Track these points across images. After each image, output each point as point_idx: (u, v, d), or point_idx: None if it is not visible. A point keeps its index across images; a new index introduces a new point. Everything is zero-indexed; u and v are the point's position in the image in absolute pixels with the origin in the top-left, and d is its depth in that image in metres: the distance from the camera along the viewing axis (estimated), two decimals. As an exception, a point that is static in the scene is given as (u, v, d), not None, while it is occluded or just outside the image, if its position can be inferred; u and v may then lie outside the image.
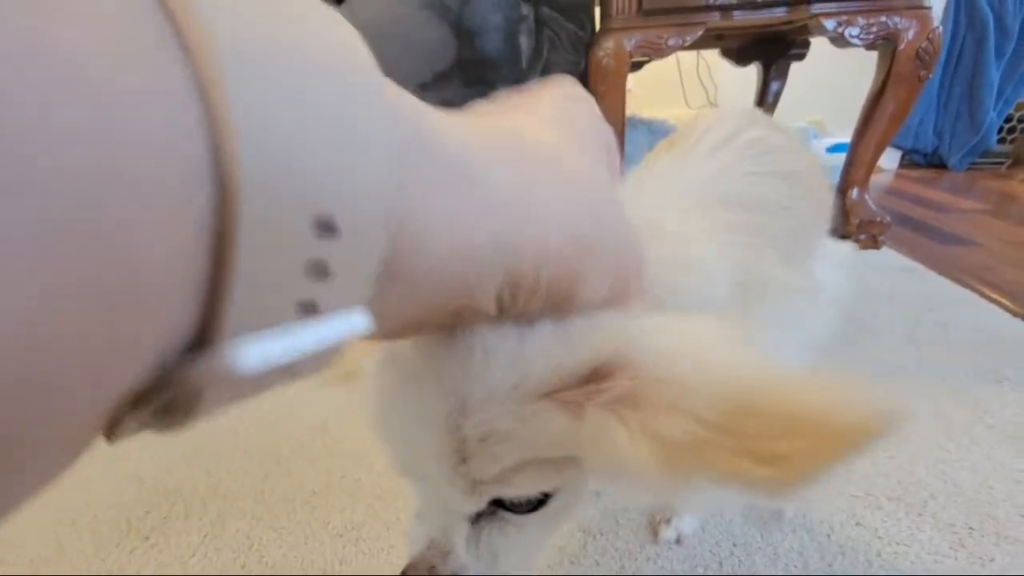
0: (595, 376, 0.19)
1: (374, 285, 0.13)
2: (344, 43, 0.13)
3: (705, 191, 0.35)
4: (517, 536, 0.24)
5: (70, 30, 0.08)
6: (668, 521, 0.49)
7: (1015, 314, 0.88)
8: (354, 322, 0.13)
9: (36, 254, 0.08)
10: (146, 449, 0.68)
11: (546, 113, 0.22)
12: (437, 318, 0.18)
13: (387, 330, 0.17)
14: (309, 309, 0.12)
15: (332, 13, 0.13)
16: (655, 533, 0.50)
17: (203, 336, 0.11)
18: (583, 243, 0.18)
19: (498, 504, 0.24)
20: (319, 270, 0.12)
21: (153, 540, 0.55)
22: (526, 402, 0.19)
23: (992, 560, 0.46)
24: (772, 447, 0.15)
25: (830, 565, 0.46)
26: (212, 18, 0.10)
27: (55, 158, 0.08)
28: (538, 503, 0.23)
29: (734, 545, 0.49)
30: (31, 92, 0.08)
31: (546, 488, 0.23)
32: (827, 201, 0.47)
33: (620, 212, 0.21)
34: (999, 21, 1.99)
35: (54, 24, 0.08)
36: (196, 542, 0.54)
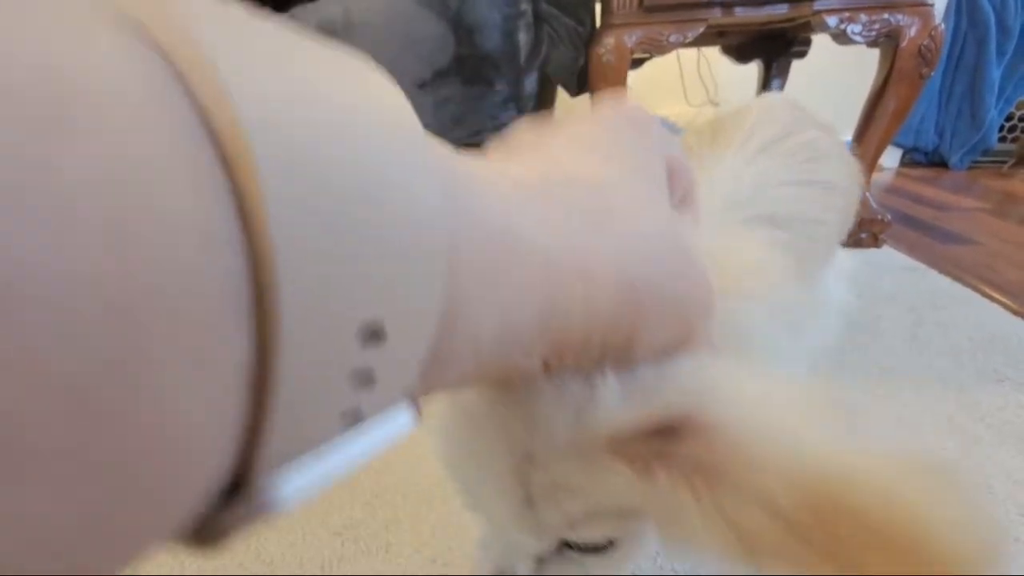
0: (665, 431, 0.17)
1: (418, 376, 0.12)
2: (391, 108, 0.11)
3: (753, 205, 0.33)
4: (579, 572, 0.24)
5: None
6: None
7: (1016, 313, 0.88)
8: (400, 422, 0.12)
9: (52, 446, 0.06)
10: None
11: (600, 145, 0.19)
12: (481, 382, 0.18)
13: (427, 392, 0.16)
14: (353, 418, 0.11)
15: (367, 72, 0.11)
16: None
17: (238, 470, 0.10)
18: (640, 296, 0.17)
19: (564, 543, 0.23)
20: (364, 379, 0.10)
21: None
22: (592, 457, 0.19)
23: (992, 560, 0.46)
24: (862, 559, 0.13)
25: (829, 565, 0.46)
26: (248, 117, 0.08)
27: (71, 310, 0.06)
28: (604, 545, 0.23)
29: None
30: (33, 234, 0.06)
31: (612, 535, 0.23)
32: (853, 212, 0.45)
33: (683, 252, 0.19)
34: (1000, 20, 1.98)
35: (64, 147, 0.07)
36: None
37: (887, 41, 1.02)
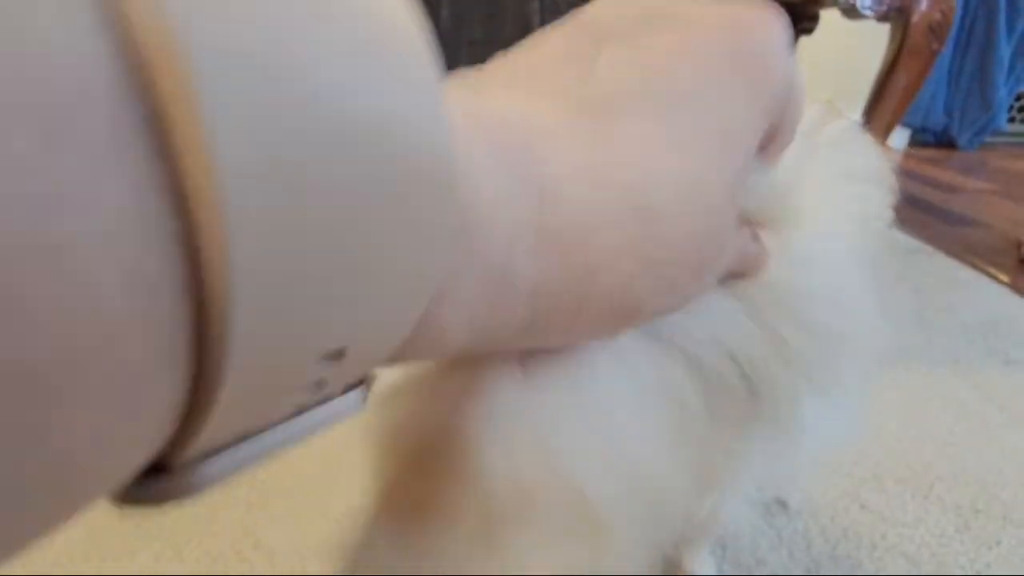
0: None
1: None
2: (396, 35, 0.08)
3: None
4: None
5: None
6: None
7: (1000, 280, 0.87)
8: (348, 403, 0.11)
9: None
10: None
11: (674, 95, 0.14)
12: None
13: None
14: (297, 412, 0.10)
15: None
16: None
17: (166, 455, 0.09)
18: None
19: None
20: (319, 385, 0.10)
21: (146, 528, 0.54)
22: None
23: (999, 543, 0.45)
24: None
25: (834, 548, 0.45)
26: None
27: None
28: None
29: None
30: None
31: None
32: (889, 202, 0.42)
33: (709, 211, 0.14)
34: (1012, -7, 1.93)
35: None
36: (190, 528, 0.54)
37: (897, 16, 0.99)
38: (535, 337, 0.13)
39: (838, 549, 0.45)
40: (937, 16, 0.96)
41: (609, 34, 0.14)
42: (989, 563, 0.44)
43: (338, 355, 0.09)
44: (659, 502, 0.18)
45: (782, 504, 0.49)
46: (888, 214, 0.38)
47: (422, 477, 0.16)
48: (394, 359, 0.11)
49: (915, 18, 0.97)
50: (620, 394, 0.17)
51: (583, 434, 0.16)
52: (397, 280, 0.09)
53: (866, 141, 0.38)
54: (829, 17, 1.25)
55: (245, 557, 0.50)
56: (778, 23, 0.15)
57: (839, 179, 0.31)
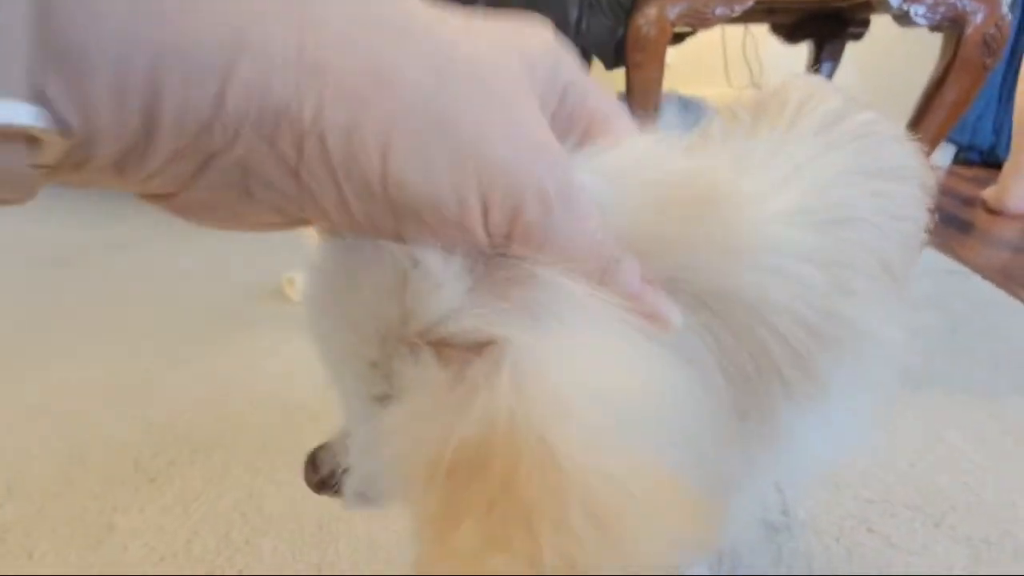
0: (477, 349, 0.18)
1: (39, 73, 0.12)
2: None
3: (826, 205, 0.27)
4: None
5: None
6: None
7: None
8: (15, 111, 0.12)
9: None
10: (158, 392, 0.70)
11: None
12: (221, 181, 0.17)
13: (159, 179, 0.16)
14: None
15: None
16: None
17: None
18: (385, 82, 0.16)
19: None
20: None
21: (159, 483, 0.57)
22: (412, 342, 0.20)
23: (1010, 578, 0.44)
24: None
25: (836, 568, 0.45)
26: None
27: None
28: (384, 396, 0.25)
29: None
30: None
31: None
32: (929, 204, 0.37)
33: (481, 83, 0.17)
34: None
35: None
36: (199, 488, 0.56)
37: (951, 27, 0.95)
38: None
39: (840, 570, 0.45)
40: (992, 30, 0.92)
41: None
42: (997, 599, 0.43)
43: None
44: (715, 473, 0.21)
45: (785, 515, 0.48)
46: (923, 215, 0.35)
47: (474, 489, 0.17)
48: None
49: (969, 30, 0.93)
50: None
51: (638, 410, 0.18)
52: None
53: (896, 136, 0.35)
54: (877, 26, 1.21)
55: (249, 519, 0.52)
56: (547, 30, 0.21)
57: (858, 175, 0.29)
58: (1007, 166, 1.59)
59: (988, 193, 1.64)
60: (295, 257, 1.00)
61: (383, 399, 0.23)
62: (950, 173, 2.01)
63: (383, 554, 0.48)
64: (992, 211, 1.56)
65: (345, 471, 0.27)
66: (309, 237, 0.24)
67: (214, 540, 0.50)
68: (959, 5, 0.93)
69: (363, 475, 0.26)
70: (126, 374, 0.73)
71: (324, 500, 0.52)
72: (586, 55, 1.17)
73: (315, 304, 0.24)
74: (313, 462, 0.30)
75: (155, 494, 0.55)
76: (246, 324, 0.87)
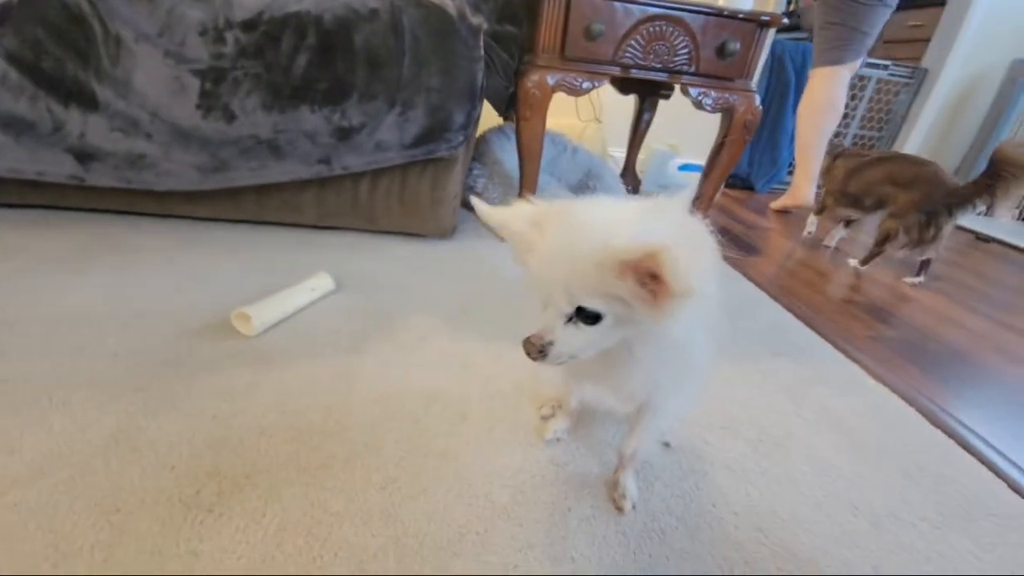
0: (634, 265, 0.41)
1: None
2: None
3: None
4: (580, 334, 0.47)
5: None
6: (624, 496, 0.67)
7: (775, 299, 1.34)
8: None
9: None
10: (156, 439, 0.68)
11: None
12: None
13: None
14: None
15: None
16: (618, 508, 0.67)
17: None
18: None
19: (579, 313, 0.46)
20: None
21: (218, 511, 0.58)
22: (605, 266, 0.42)
23: (764, 470, 0.82)
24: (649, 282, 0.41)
25: (691, 466, 0.78)
26: None
27: None
28: (596, 319, 0.46)
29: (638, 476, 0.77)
30: None
31: (602, 310, 0.45)
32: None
33: None
34: (799, 80, 2.61)
35: None
36: (261, 507, 0.59)
37: (725, 113, 1.42)
38: None
39: (690, 466, 0.78)
40: (750, 116, 1.40)
41: None
42: (766, 468, 0.79)
43: None
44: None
45: (666, 444, 0.81)
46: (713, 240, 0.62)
47: None
48: None
49: (736, 115, 1.40)
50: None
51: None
52: None
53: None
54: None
55: (320, 520, 0.58)
56: None
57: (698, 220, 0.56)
58: (796, 176, 2.27)
59: (775, 204, 2.38)
60: (224, 295, 0.92)
61: (569, 317, 0.46)
62: (723, 194, 2.69)
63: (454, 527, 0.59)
64: (784, 212, 2.36)
65: (551, 344, 0.47)
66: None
67: (302, 538, 0.56)
68: (731, 99, 1.39)
69: (562, 350, 0.47)
70: (108, 428, 0.68)
71: (375, 496, 0.62)
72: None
73: (551, 256, 0.44)
74: (530, 341, 0.48)
75: (220, 521, 0.57)
76: (211, 363, 0.83)
